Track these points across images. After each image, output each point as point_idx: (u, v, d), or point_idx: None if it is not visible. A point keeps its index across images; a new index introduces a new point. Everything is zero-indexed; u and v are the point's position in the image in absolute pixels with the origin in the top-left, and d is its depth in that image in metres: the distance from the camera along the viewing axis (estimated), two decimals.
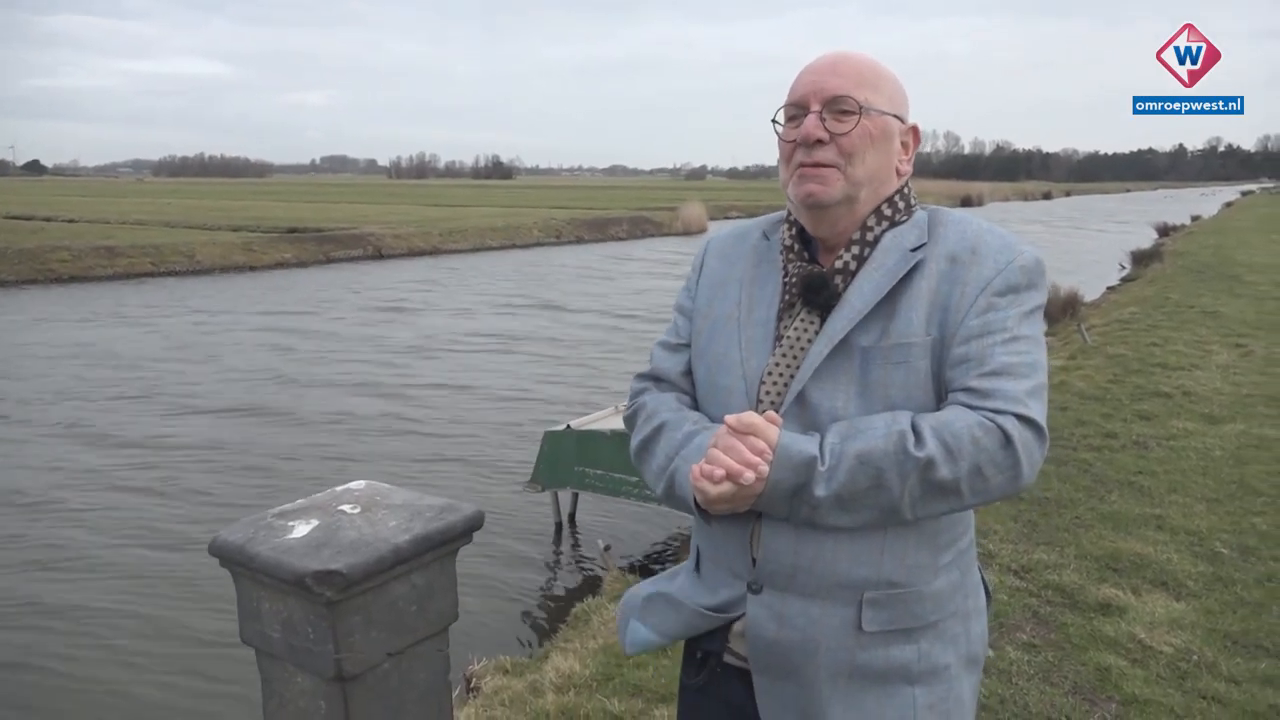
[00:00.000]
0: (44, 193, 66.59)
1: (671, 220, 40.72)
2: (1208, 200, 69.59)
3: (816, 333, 1.38)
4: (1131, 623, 3.71)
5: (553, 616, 5.59)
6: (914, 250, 1.36)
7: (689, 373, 1.54)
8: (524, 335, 15.47)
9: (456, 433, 9.48)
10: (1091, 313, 13.59)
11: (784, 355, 1.39)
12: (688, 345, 1.55)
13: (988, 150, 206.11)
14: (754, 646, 1.41)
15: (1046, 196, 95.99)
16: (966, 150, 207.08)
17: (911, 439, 1.25)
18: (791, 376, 1.38)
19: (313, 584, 1.41)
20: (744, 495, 1.29)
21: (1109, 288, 17.91)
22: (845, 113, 1.37)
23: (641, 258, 29.29)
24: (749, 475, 1.26)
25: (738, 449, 1.28)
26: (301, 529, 1.54)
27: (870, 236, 1.40)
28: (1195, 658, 3.44)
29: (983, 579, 1.55)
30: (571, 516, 7.02)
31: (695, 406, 1.51)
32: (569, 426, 6.63)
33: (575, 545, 6.79)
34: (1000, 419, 1.25)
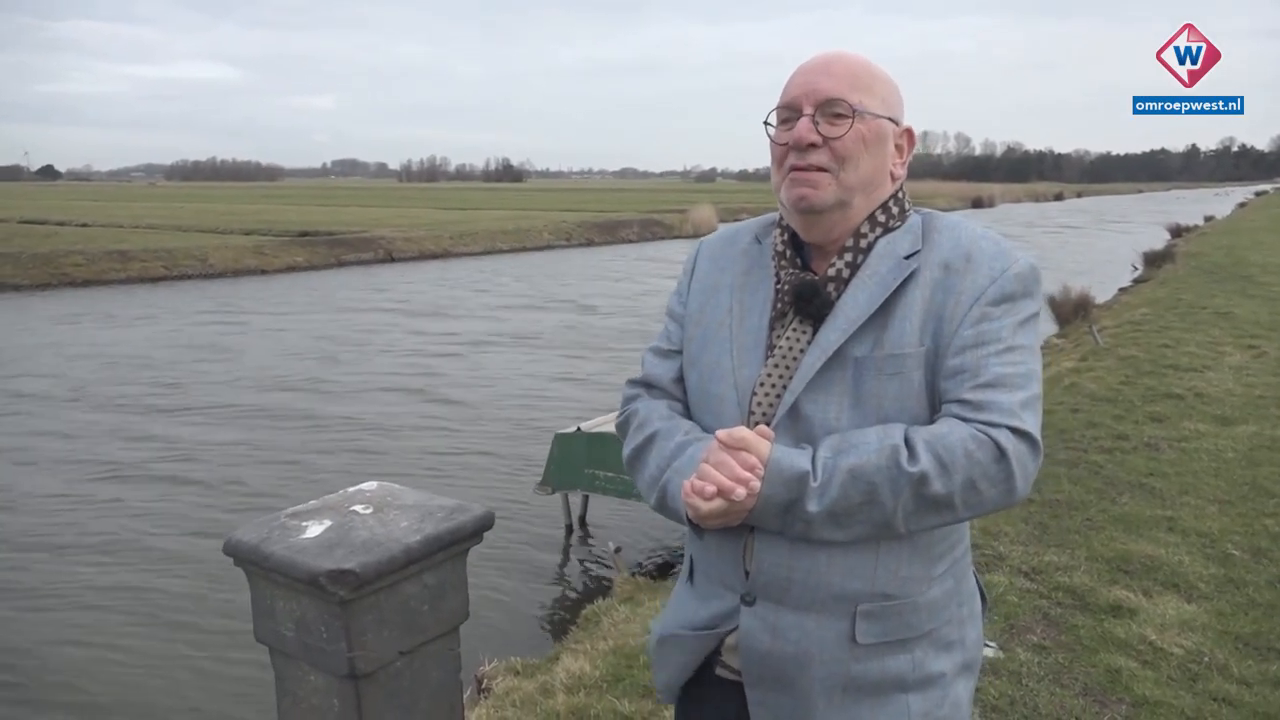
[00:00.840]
0: (58, 198, 67.12)
1: (682, 223, 40.75)
2: (1221, 200, 69.19)
3: (809, 342, 1.36)
4: (1142, 624, 3.70)
5: (563, 618, 5.60)
6: (908, 257, 1.34)
7: (681, 379, 1.52)
8: (544, 334, 15.63)
9: (476, 432, 9.61)
10: (1103, 314, 13.54)
11: (776, 366, 1.37)
12: (679, 351, 1.52)
13: (999, 151, 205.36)
14: (747, 659, 1.40)
15: (1058, 198, 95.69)
16: (977, 151, 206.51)
17: (905, 454, 1.23)
18: (784, 387, 1.36)
19: (326, 583, 1.43)
20: (736, 511, 1.28)
21: (1121, 289, 17.84)
22: (838, 116, 1.34)
23: (666, 258, 29.25)
24: (740, 491, 1.25)
25: (729, 464, 1.27)
26: (315, 529, 1.55)
27: (863, 243, 1.37)
28: (1206, 660, 3.43)
29: (978, 583, 1.54)
30: (582, 519, 7.04)
31: (687, 413, 1.49)
32: (579, 429, 6.65)
33: (586, 547, 6.81)
34: (994, 432, 1.24)
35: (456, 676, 1.70)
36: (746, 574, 1.38)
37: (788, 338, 1.37)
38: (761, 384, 1.37)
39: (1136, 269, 21.26)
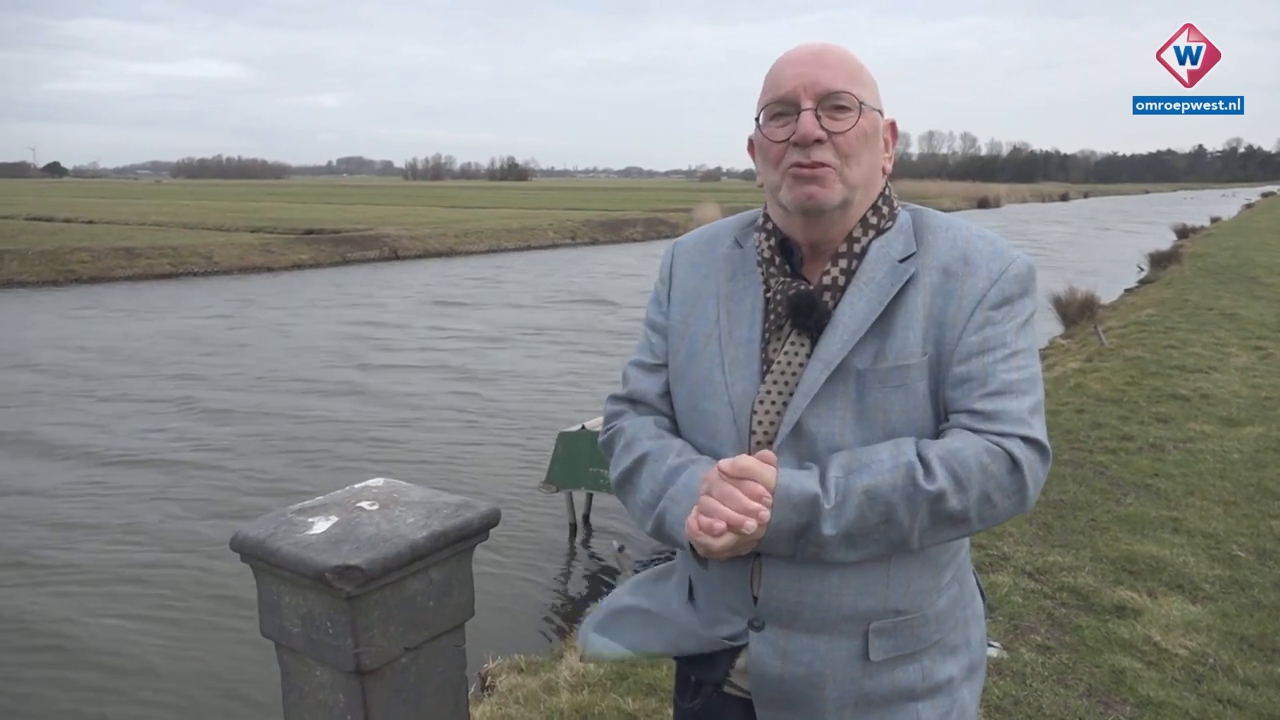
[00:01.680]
0: (64, 194, 67.28)
1: (687, 222, 40.66)
2: (1228, 201, 68.98)
3: (808, 355, 1.30)
4: (1147, 625, 3.69)
5: (567, 616, 5.61)
6: (902, 261, 1.30)
7: (667, 394, 1.45)
8: (562, 328, 15.77)
9: (492, 425, 9.70)
10: (1109, 315, 13.50)
11: (775, 382, 1.31)
12: (664, 365, 1.45)
13: (1005, 151, 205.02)
14: (757, 683, 1.36)
15: (1064, 198, 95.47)
16: (983, 151, 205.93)
17: (920, 471, 1.20)
18: (784, 404, 1.31)
19: (332, 579, 1.43)
20: (747, 542, 1.22)
21: (1126, 290, 17.79)
22: (842, 109, 1.28)
23: None
24: (751, 524, 1.19)
25: (735, 497, 1.20)
26: (321, 525, 1.56)
27: (857, 248, 1.32)
28: (1211, 661, 3.43)
29: (977, 582, 1.52)
30: (586, 517, 7.04)
31: (675, 429, 1.43)
32: (583, 427, 6.65)
33: (589, 545, 6.81)
34: (1006, 443, 1.21)
35: (462, 673, 1.70)
36: (754, 599, 1.34)
37: (786, 352, 1.32)
38: (761, 401, 1.32)
39: (1142, 269, 21.20)
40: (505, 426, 9.67)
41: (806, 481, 1.22)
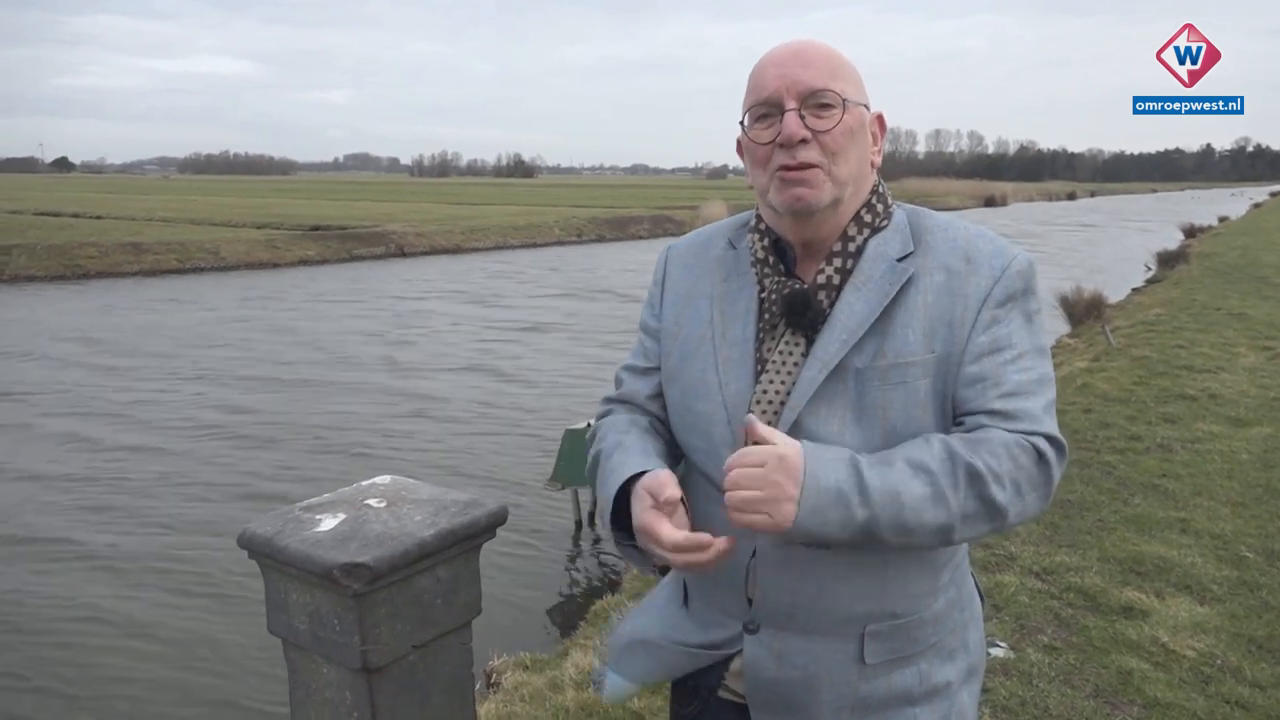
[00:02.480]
0: (72, 190, 67.52)
1: (693, 219, 40.65)
2: (1236, 200, 68.71)
3: (804, 355, 1.29)
4: (1154, 626, 3.68)
5: (572, 614, 5.61)
6: (900, 260, 1.29)
7: (657, 396, 1.44)
8: (581, 323, 15.88)
9: (507, 419, 9.79)
10: (1116, 314, 13.46)
11: (770, 381, 1.30)
12: (656, 369, 1.45)
13: (1012, 150, 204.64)
14: (752, 686, 1.36)
15: (1071, 197, 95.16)
16: (990, 150, 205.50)
17: (957, 443, 1.20)
18: (780, 403, 1.29)
19: (340, 576, 1.43)
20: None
21: (1134, 289, 17.74)
22: (825, 107, 1.27)
23: None
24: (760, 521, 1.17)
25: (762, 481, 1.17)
26: (329, 522, 1.56)
27: (852, 247, 1.31)
28: (1219, 662, 3.42)
29: (976, 584, 1.50)
30: (591, 515, 7.04)
31: (661, 428, 1.44)
32: (589, 425, 6.65)
33: (595, 543, 6.81)
34: (1032, 440, 1.22)
35: (469, 670, 1.70)
36: (749, 601, 1.33)
37: (780, 351, 1.31)
38: (757, 400, 1.30)
39: (1150, 269, 21.13)
40: (524, 420, 9.74)
41: (830, 471, 1.17)
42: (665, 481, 1.25)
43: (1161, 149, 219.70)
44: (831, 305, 1.29)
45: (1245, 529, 4.71)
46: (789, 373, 1.29)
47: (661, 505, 1.23)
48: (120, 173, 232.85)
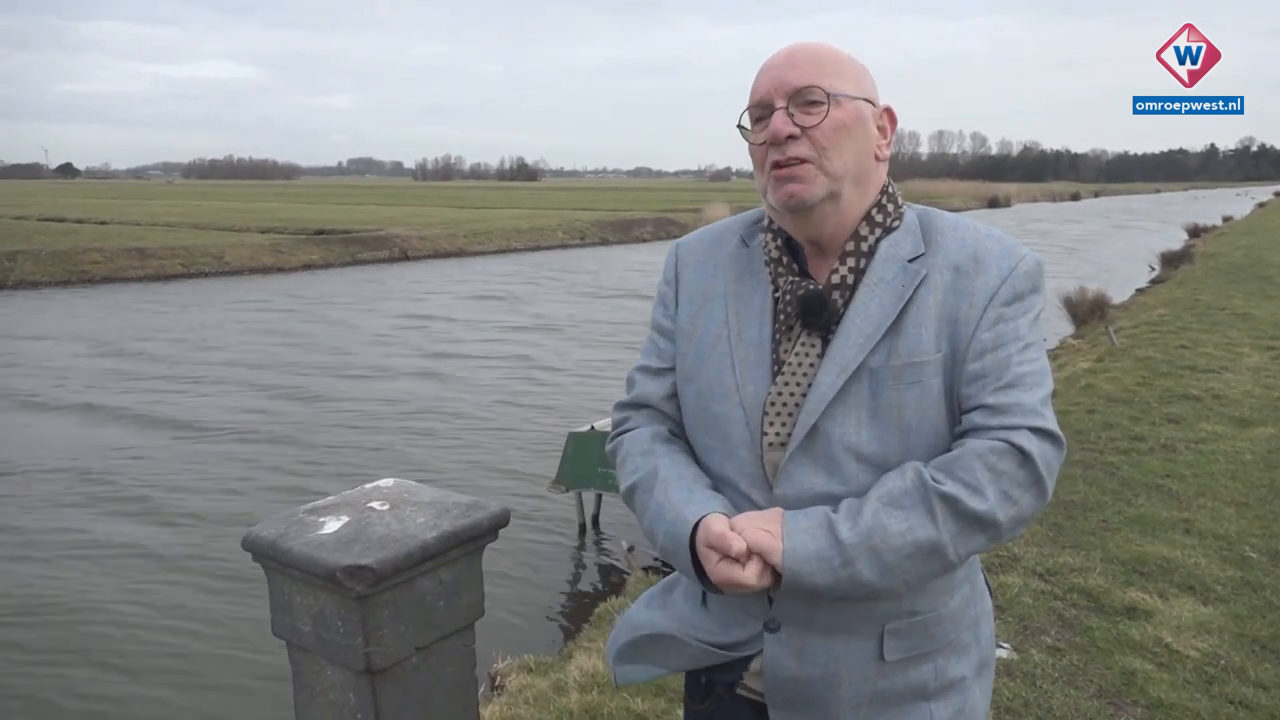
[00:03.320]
0: (76, 195, 67.69)
1: (696, 222, 40.63)
2: (1241, 201, 68.55)
3: (819, 356, 1.30)
4: (1158, 627, 3.68)
5: (576, 616, 5.62)
6: (912, 261, 1.30)
7: (672, 396, 1.44)
8: (598, 325, 15.86)
9: (520, 421, 9.78)
10: (1120, 315, 13.44)
11: (786, 383, 1.31)
12: (671, 369, 1.45)
13: (1015, 151, 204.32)
14: (771, 684, 1.36)
15: (1075, 198, 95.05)
16: (994, 151, 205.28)
17: (927, 474, 1.22)
18: (796, 405, 1.30)
19: (343, 579, 1.44)
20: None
21: (1138, 289, 17.71)
22: (812, 103, 1.29)
23: None
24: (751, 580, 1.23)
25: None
26: (332, 525, 1.57)
27: (864, 246, 1.32)
28: (1223, 663, 3.41)
29: (985, 579, 1.52)
30: (595, 518, 7.05)
31: (679, 432, 1.44)
32: (593, 428, 6.66)
33: (599, 546, 6.82)
34: (1014, 436, 1.22)
35: (472, 673, 1.71)
36: (770, 600, 1.34)
37: (797, 352, 1.32)
38: (773, 403, 1.32)
39: (1154, 269, 21.10)
40: (524, 424, 9.73)
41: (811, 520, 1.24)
42: (727, 535, 1.24)
43: (1165, 149, 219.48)
44: (846, 305, 1.30)
45: (1249, 529, 4.70)
46: (805, 374, 1.30)
47: (734, 559, 1.24)
48: (125, 178, 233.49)
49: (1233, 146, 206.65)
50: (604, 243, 36.12)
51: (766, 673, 1.36)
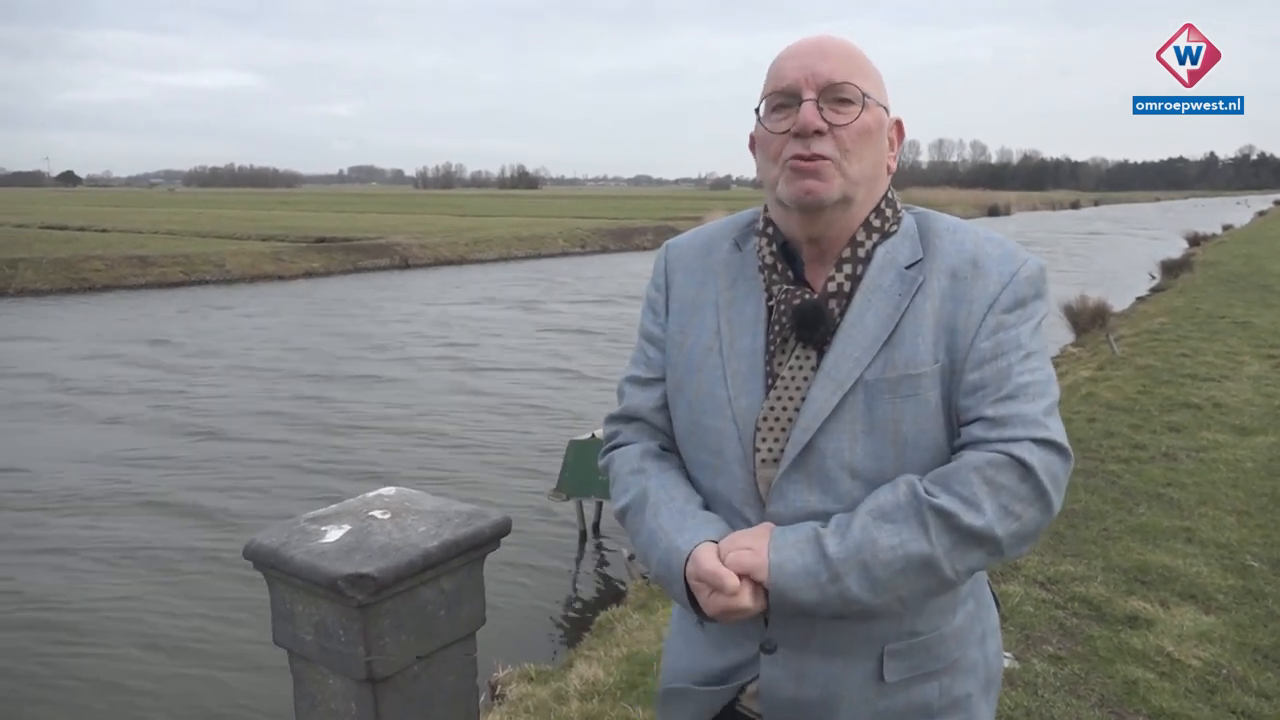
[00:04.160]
0: (78, 203, 67.78)
1: None
2: (1241, 209, 68.59)
3: (814, 369, 1.25)
4: (1160, 636, 3.67)
5: (577, 625, 5.61)
6: (909, 267, 1.26)
7: (663, 407, 1.39)
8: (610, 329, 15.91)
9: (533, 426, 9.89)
10: (1120, 323, 13.44)
11: (779, 398, 1.26)
12: (662, 379, 1.39)
13: (1015, 159, 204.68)
14: (769, 705, 1.33)
15: (1075, 206, 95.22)
16: (994, 159, 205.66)
17: (920, 488, 1.18)
18: (789, 420, 1.25)
19: (345, 587, 1.44)
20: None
21: (1138, 298, 17.71)
22: (844, 101, 1.23)
23: None
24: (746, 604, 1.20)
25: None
26: (334, 534, 1.57)
27: (861, 252, 1.27)
28: (1225, 672, 3.41)
29: (992, 592, 1.47)
30: (595, 525, 7.04)
31: (671, 444, 1.39)
32: (594, 435, 6.66)
33: (599, 554, 6.81)
34: (1015, 449, 1.16)
35: (473, 682, 1.70)
36: (765, 621, 1.29)
37: (791, 365, 1.27)
38: (765, 419, 1.27)
39: (1154, 278, 21.10)
40: (528, 427, 9.76)
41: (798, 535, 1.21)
42: (719, 573, 1.21)
43: (1165, 157, 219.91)
44: (842, 315, 1.26)
45: (1250, 538, 4.70)
46: (798, 388, 1.26)
47: (728, 594, 1.21)
48: (126, 186, 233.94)
49: (1232, 155, 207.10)
50: (605, 250, 36.17)
51: (764, 695, 1.32)
